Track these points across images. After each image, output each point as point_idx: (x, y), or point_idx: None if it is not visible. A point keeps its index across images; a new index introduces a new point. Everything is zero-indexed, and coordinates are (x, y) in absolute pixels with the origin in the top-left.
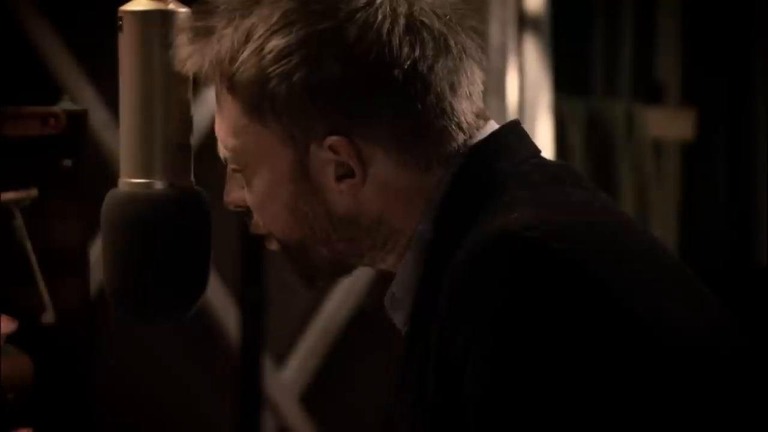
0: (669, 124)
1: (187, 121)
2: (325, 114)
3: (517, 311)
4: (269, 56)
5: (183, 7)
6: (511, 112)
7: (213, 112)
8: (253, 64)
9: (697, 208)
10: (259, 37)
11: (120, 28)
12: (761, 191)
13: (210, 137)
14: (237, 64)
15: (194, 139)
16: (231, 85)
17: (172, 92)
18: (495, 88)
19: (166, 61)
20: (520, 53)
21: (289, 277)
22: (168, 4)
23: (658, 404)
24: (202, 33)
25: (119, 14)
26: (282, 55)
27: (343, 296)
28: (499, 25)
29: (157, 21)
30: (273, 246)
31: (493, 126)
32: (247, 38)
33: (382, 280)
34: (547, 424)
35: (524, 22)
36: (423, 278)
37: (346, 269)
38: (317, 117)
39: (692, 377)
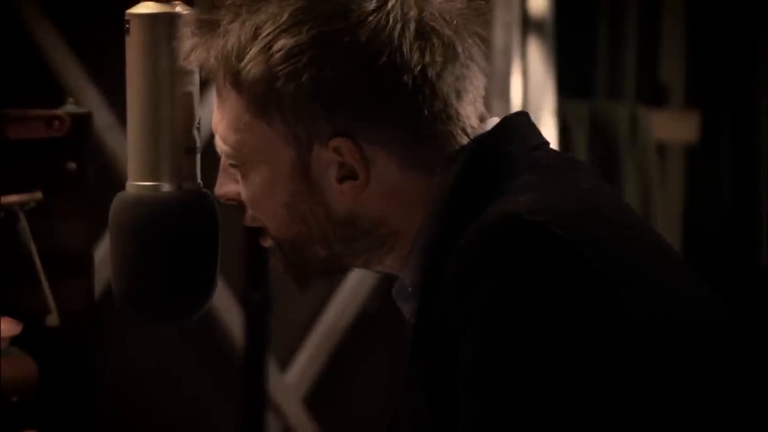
0: (673, 127)
1: (193, 124)
2: (331, 115)
3: (512, 293)
4: (278, 55)
5: (189, 10)
6: None
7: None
8: (260, 62)
9: (701, 210)
10: (268, 35)
11: (127, 31)
12: (764, 193)
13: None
14: (244, 61)
15: (200, 141)
16: (236, 81)
17: (179, 95)
18: (499, 90)
19: (173, 64)
20: (523, 56)
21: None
22: (175, 6)
23: (638, 397)
24: (206, 26)
25: (126, 17)
26: (291, 54)
27: (347, 298)
28: (502, 28)
29: (164, 24)
30: (267, 242)
31: (495, 120)
32: (255, 35)
33: (386, 282)
34: (526, 403)
35: (528, 24)
36: (431, 264)
37: (340, 269)
38: (323, 118)
39: (680, 374)
